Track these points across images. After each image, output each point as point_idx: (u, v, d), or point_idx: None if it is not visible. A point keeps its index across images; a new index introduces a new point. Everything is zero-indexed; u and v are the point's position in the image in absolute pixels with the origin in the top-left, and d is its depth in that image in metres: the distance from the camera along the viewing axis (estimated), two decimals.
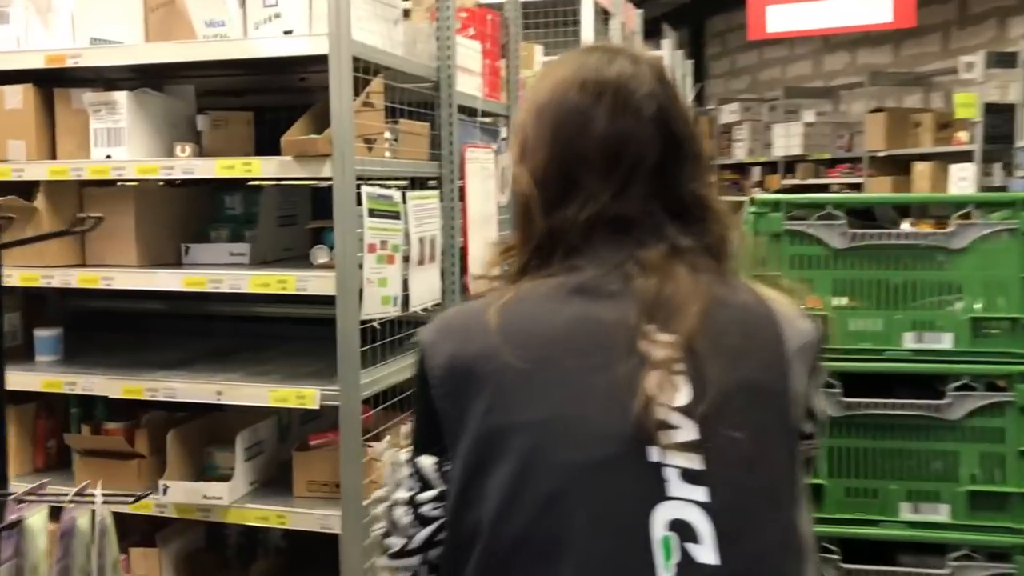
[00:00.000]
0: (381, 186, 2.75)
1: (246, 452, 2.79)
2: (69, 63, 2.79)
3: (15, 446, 3.03)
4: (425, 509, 1.25)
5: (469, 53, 3.47)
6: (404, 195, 2.86)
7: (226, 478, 2.75)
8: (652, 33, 7.48)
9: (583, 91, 1.28)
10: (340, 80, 2.52)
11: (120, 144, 2.81)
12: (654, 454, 1.14)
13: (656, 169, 1.27)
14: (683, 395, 1.16)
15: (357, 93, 2.64)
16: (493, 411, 1.18)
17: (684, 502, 1.12)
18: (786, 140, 9.91)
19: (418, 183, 3.19)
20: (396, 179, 3.05)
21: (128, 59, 2.78)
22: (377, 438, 2.73)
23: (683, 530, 1.12)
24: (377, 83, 2.76)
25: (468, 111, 3.45)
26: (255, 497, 2.77)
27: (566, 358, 1.20)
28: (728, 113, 10.98)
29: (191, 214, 3.17)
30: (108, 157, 2.82)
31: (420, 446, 1.29)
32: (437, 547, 1.26)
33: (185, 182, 3.25)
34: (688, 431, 1.15)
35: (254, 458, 2.83)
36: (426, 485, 1.26)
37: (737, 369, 1.19)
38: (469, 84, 3.43)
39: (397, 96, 3.03)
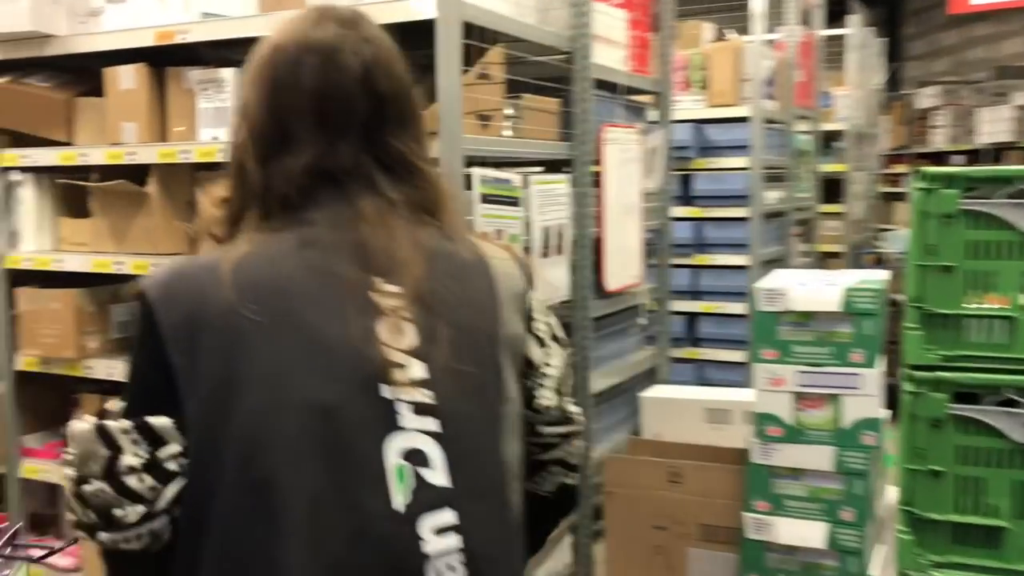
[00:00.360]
0: (498, 169, 2.48)
1: None
2: (177, 39, 2.67)
3: None
4: (170, 465, 1.24)
5: (612, 22, 3.15)
6: (527, 179, 2.58)
7: None
8: (838, 13, 6.94)
9: (295, 49, 1.34)
10: (448, 48, 2.28)
11: (226, 124, 2.64)
12: (386, 391, 1.23)
13: (365, 125, 1.34)
14: (411, 339, 1.26)
15: (473, 64, 2.38)
16: (231, 363, 1.22)
17: (416, 432, 1.24)
18: (992, 126, 9.10)
19: (553, 167, 2.90)
20: (519, 162, 2.77)
21: (235, 32, 2.61)
22: None
23: (416, 457, 1.23)
24: (495, 53, 2.49)
25: (609, 87, 3.13)
26: None
27: (301, 309, 1.24)
28: (926, 97, 10.20)
29: None
30: (215, 138, 2.66)
31: (147, 406, 1.25)
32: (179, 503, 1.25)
33: None
34: (417, 370, 1.25)
35: None
36: (160, 443, 1.24)
37: (457, 315, 1.31)
38: (610, 56, 3.12)
39: (525, 69, 2.75)
